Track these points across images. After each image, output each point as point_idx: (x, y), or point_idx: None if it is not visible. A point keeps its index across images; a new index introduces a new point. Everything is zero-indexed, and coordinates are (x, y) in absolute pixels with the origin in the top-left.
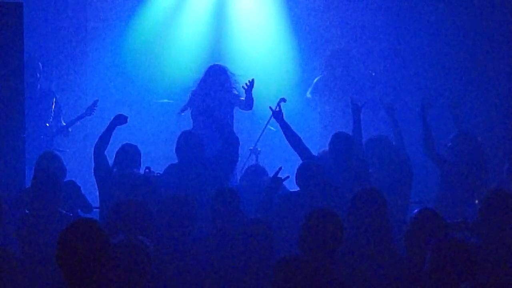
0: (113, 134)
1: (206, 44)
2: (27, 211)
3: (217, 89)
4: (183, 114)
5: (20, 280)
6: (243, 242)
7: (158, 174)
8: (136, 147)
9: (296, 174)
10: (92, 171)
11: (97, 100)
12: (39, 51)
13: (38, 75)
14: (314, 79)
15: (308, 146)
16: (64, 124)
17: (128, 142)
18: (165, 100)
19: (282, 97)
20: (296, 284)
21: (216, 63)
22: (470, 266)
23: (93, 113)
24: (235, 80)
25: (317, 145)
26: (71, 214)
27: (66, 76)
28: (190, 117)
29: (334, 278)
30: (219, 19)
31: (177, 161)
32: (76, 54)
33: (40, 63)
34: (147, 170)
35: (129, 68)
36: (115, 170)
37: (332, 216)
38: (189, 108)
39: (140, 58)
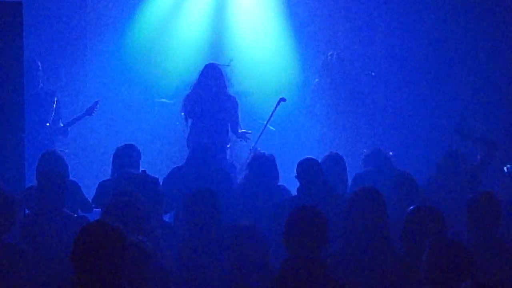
0: (113, 134)
1: (206, 43)
2: (27, 211)
3: (213, 91)
4: (182, 114)
5: (31, 278)
6: (232, 248)
7: (155, 178)
8: (135, 148)
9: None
10: (91, 170)
11: (98, 101)
12: (39, 51)
13: (39, 74)
14: (312, 80)
15: (307, 147)
16: (62, 124)
17: (127, 143)
18: (165, 100)
19: (282, 97)
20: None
21: (211, 62)
22: (466, 265)
23: (93, 113)
24: (228, 80)
25: (315, 149)
26: (75, 215)
27: (66, 76)
28: (184, 120)
29: (328, 276)
30: (219, 19)
31: (179, 163)
32: (75, 54)
33: (39, 62)
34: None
35: (129, 67)
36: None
37: (316, 213)
38: (184, 111)
39: (140, 58)
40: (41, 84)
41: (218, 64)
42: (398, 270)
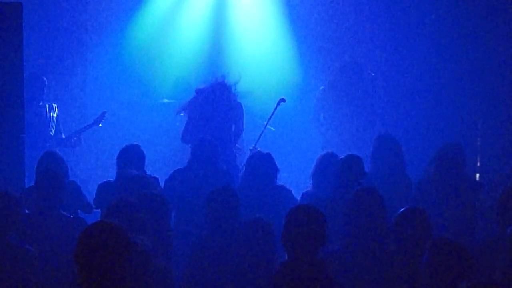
0: (113, 134)
1: (206, 44)
2: (26, 211)
3: (220, 108)
4: (182, 114)
5: (35, 277)
6: (243, 243)
7: (154, 178)
8: (139, 147)
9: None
10: (92, 171)
11: (105, 112)
12: (39, 51)
13: (44, 90)
14: (312, 80)
15: (305, 146)
16: (64, 136)
17: (133, 142)
18: (165, 100)
19: (282, 97)
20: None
21: (222, 79)
22: (467, 266)
23: (101, 124)
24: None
25: (319, 146)
26: (71, 216)
27: (66, 77)
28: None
29: (327, 277)
30: (219, 19)
31: (180, 163)
32: (75, 54)
33: (45, 79)
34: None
35: (129, 68)
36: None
37: (314, 212)
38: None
39: (140, 58)
40: (41, 102)
41: (228, 81)
42: (397, 270)
